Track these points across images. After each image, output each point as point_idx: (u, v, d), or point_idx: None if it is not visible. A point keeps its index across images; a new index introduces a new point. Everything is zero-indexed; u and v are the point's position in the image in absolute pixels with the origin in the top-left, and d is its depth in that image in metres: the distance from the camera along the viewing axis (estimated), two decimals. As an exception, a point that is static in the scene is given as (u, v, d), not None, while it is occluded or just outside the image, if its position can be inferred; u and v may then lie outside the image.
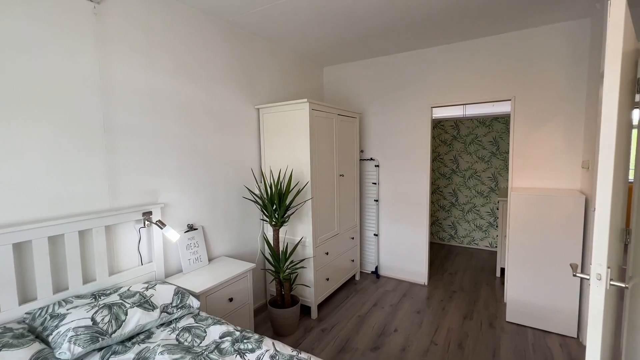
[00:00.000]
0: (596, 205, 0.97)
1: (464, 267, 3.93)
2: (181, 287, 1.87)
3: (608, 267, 0.95)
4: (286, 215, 2.48)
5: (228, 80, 2.56)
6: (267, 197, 2.44)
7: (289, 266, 2.51)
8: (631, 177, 1.66)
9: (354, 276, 3.58)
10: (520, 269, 2.59)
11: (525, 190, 2.66)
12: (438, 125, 4.85)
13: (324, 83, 3.90)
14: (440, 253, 4.51)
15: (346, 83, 3.72)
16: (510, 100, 2.85)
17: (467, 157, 4.66)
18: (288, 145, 2.71)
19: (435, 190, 4.94)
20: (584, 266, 2.39)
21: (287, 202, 2.48)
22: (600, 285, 0.95)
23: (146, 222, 1.96)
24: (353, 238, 3.38)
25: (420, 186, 3.35)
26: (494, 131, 4.46)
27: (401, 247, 3.52)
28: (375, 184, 3.60)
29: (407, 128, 3.39)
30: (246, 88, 2.74)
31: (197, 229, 2.31)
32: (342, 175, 3.10)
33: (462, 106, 5.33)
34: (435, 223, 4.98)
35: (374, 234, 3.65)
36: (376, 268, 3.65)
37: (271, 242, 2.81)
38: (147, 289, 1.70)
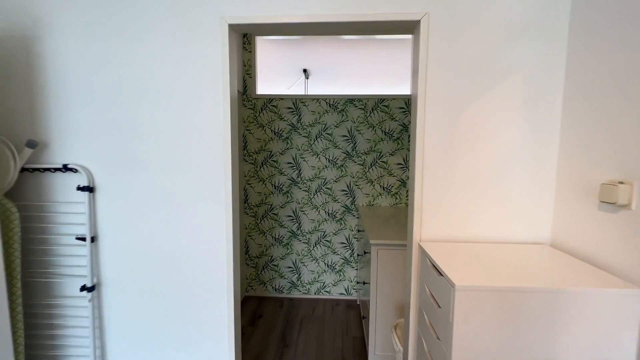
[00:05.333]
0: None
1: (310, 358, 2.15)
2: None
3: None
4: None
5: None
6: None
7: None
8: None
9: None
10: None
11: (462, 262, 0.99)
12: (268, 105, 2.94)
13: None
14: (276, 321, 2.63)
15: None
16: (416, 21, 1.13)
17: (312, 159, 2.95)
18: None
19: (267, 213, 3.03)
20: None
21: None
22: None
23: None
24: None
25: (214, 235, 1.25)
26: (349, 120, 2.92)
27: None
28: (83, 239, 1.24)
29: (174, 80, 1.21)
30: None
31: None
32: None
33: (305, 79, 3.67)
34: (268, 265, 3.07)
35: (89, 381, 1.30)
36: None
37: None
38: None
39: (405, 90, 2.99)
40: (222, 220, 1.24)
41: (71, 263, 1.27)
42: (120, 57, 1.21)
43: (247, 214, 3.07)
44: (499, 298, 0.82)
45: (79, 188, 1.22)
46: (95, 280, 1.27)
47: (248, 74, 2.94)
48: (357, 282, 2.95)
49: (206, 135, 1.21)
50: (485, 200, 1.18)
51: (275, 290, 3.10)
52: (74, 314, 1.29)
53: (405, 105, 2.89)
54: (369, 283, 2.03)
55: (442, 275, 0.92)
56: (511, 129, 1.15)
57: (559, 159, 1.14)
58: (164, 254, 1.26)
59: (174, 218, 1.25)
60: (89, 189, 1.23)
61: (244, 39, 2.90)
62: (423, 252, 1.13)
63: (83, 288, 1.23)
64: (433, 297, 1.01)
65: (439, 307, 0.94)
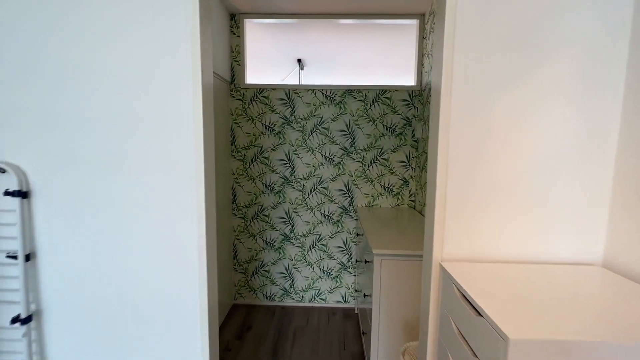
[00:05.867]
0: None
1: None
2: None
3: None
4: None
5: None
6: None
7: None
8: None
9: None
10: None
11: (503, 295, 0.75)
12: (259, 96, 2.67)
13: None
14: (266, 332, 2.39)
15: None
16: (442, -17, 0.88)
17: (307, 155, 2.70)
18: None
19: (258, 214, 2.77)
20: None
21: None
22: None
23: None
24: None
25: (184, 251, 1.00)
26: (348, 113, 2.67)
27: None
28: (15, 257, 0.98)
29: (127, 57, 0.94)
30: None
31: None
32: None
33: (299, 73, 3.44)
34: (259, 271, 2.83)
35: None
36: None
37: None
38: None
39: (408, 81, 2.74)
40: (194, 233, 0.98)
41: (1, 287, 1.00)
42: (56, 24, 0.93)
43: (236, 215, 2.81)
44: (571, 355, 0.58)
45: (8, 193, 0.95)
46: (33, 308, 1.01)
47: (236, 61, 2.66)
48: (356, 290, 2.72)
49: (171, 128, 0.95)
50: (522, 210, 0.95)
51: (266, 298, 2.85)
52: (7, 348, 1.03)
53: (409, 97, 2.64)
54: (371, 295, 1.80)
55: (481, 315, 0.68)
56: (558, 122, 0.92)
57: (618, 159, 0.91)
58: (120, 275, 1.01)
59: (132, 230, 1.00)
60: (22, 193, 0.96)
61: (232, 21, 2.62)
62: (446, 276, 0.89)
63: (16, 319, 0.97)
64: (464, 338, 0.77)
65: (476, 357, 0.70)
